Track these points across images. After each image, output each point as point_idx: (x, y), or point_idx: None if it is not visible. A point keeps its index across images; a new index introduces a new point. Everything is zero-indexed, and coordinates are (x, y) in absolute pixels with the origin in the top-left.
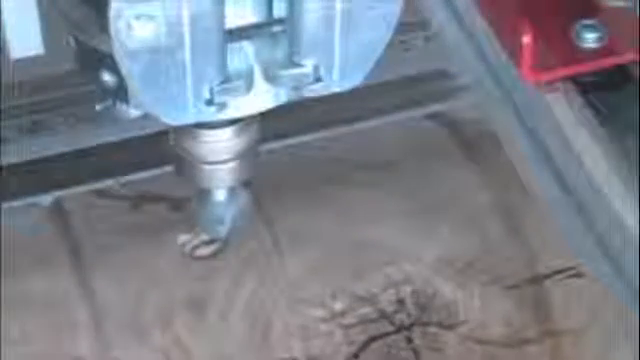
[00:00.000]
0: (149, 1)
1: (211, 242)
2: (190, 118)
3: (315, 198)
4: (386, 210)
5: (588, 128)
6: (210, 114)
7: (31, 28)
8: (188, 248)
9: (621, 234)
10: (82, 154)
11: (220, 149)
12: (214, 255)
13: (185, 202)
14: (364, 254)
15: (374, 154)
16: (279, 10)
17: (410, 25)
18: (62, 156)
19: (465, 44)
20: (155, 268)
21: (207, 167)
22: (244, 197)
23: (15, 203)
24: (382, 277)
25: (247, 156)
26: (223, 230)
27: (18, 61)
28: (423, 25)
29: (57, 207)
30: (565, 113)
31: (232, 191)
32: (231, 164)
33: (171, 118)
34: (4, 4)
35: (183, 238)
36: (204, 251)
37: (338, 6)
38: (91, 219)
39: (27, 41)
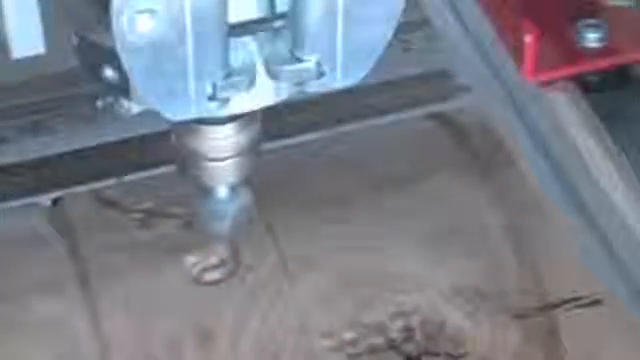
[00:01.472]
0: None
1: (219, 265)
2: (192, 114)
3: (320, 219)
4: (393, 233)
5: (590, 127)
6: (212, 110)
7: (32, 27)
8: (196, 271)
9: (623, 232)
10: (82, 154)
11: (222, 145)
12: (223, 279)
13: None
14: (372, 282)
15: (376, 163)
16: (282, 5)
17: (411, 24)
18: (62, 156)
19: (467, 43)
20: (162, 291)
21: (208, 164)
22: (245, 194)
23: (15, 203)
24: (391, 306)
25: (249, 153)
26: (224, 228)
27: (18, 61)
28: (424, 24)
29: (57, 207)
30: (567, 112)
31: (233, 188)
32: (233, 161)
33: (173, 114)
34: (5, 3)
35: (191, 260)
36: (213, 275)
37: (340, 2)
38: (95, 235)
39: (28, 41)
